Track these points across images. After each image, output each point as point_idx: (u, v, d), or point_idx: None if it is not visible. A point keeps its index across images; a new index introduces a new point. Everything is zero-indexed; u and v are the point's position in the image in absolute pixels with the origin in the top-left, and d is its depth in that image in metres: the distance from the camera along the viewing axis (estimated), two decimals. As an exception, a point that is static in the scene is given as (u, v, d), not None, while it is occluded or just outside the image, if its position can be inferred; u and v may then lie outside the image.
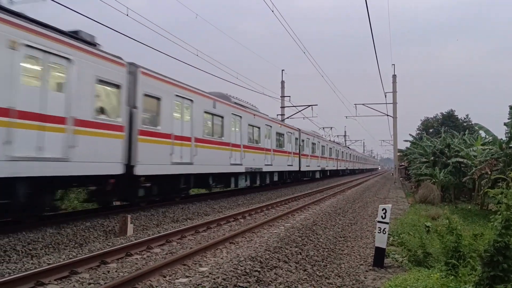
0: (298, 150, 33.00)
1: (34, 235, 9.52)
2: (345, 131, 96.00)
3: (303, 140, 34.66)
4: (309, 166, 36.80)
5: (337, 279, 7.53)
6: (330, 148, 48.86)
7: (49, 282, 6.35)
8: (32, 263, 7.66)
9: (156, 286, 6.29)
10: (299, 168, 33.21)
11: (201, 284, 6.14)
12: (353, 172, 75.44)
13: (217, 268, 7.06)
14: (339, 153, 56.39)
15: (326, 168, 46.30)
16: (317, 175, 43.21)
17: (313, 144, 39.11)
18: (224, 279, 6.37)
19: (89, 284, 6.39)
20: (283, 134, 29.34)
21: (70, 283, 6.42)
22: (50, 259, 8.02)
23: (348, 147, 75.83)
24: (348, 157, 68.08)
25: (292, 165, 30.99)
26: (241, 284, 6.36)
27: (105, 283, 6.32)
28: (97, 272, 7.07)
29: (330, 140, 51.92)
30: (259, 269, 7.13)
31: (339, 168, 55.89)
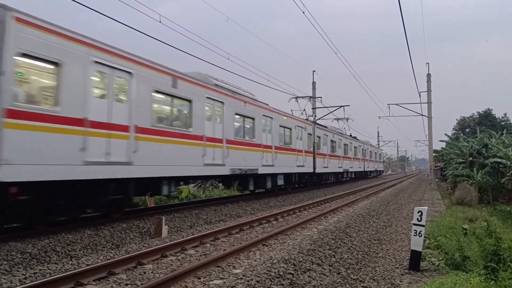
0: (361, 156, 47.53)
1: (73, 236, 9.83)
2: (378, 132, 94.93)
3: (363, 149, 48.85)
4: (368, 167, 53.74)
5: (372, 282, 7.44)
6: (375, 152, 62.70)
7: (88, 283, 6.52)
8: (71, 264, 7.89)
9: (191, 288, 6.38)
10: (363, 169, 48.94)
11: (235, 286, 6.18)
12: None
13: (250, 270, 7.09)
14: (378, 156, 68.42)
15: (371, 169, 59.80)
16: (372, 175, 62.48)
17: (363, 150, 51.38)
18: (257, 281, 6.40)
19: (126, 285, 6.53)
20: (347, 145, 41.68)
21: (108, 284, 6.58)
22: (89, 260, 8.24)
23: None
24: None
25: (352, 167, 44.20)
26: (274, 287, 6.38)
27: (142, 284, 6.45)
28: (134, 273, 7.22)
29: (372, 144, 58.56)
30: (292, 272, 7.13)
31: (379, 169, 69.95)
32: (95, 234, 10.24)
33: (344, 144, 40.25)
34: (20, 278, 6.92)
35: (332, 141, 34.92)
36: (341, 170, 38.71)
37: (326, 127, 35.63)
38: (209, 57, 17.96)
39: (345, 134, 41.83)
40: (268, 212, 16.11)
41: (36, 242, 9.06)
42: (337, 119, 44.28)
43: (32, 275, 7.10)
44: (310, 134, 28.42)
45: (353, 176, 47.00)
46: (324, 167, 31.76)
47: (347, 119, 45.14)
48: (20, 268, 7.62)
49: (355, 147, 45.12)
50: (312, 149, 28.63)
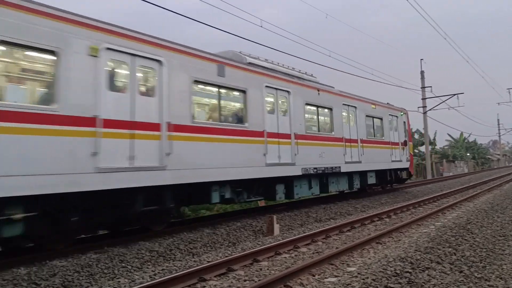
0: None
1: (193, 235, 10.51)
2: (498, 119, 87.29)
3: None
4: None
5: (499, 281, 6.92)
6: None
7: (210, 279, 6.94)
8: (194, 261, 8.45)
9: (307, 285, 6.48)
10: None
11: (350, 284, 6.17)
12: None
13: (365, 268, 7.02)
14: None
15: None
16: None
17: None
18: (373, 280, 6.31)
19: (245, 280, 6.84)
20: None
21: (228, 279, 6.95)
22: (209, 257, 8.76)
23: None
24: None
25: None
26: (391, 285, 6.23)
27: (259, 280, 6.72)
28: (251, 269, 7.53)
29: None
30: (410, 270, 6.91)
31: None
32: (213, 233, 10.84)
33: None
34: (150, 274, 7.59)
35: None
36: None
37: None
38: (311, 56, 18.00)
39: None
40: (379, 209, 15.70)
41: (161, 241, 9.85)
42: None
43: (160, 271, 7.73)
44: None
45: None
46: None
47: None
48: (149, 265, 8.33)
49: None
50: None
